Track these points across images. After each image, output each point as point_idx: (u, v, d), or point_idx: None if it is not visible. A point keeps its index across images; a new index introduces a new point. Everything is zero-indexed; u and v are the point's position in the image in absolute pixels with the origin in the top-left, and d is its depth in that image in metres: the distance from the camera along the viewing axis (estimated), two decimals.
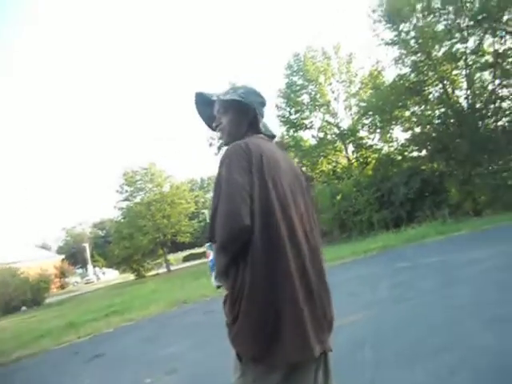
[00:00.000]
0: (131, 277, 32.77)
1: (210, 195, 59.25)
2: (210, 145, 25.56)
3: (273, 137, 1.85)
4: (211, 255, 1.74)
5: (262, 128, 1.77)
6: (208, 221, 1.57)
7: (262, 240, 1.45)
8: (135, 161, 38.21)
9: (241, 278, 1.46)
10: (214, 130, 1.85)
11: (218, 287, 1.70)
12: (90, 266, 48.86)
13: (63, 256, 44.87)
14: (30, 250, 36.54)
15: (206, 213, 45.72)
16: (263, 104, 1.82)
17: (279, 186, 1.55)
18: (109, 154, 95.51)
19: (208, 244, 1.84)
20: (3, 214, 33.20)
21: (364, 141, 23.23)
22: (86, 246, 51.11)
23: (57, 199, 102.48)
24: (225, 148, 1.66)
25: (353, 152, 23.94)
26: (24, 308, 21.24)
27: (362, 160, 23.28)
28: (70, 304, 19.08)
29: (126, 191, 30.29)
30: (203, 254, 44.40)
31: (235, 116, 1.74)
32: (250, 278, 1.44)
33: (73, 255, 53.21)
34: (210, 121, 1.85)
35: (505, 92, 16.46)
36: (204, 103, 1.82)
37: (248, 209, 1.45)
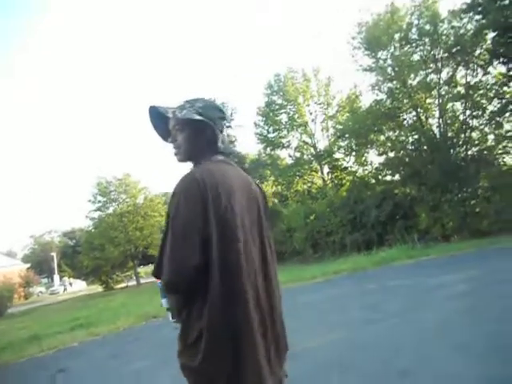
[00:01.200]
0: (99, 289, 32.04)
1: None
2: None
3: (230, 154, 1.83)
4: None
5: (220, 145, 1.68)
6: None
7: (221, 280, 1.41)
8: (110, 170, 37.73)
9: (196, 317, 1.43)
10: (169, 143, 1.76)
11: (168, 309, 1.66)
12: (56, 276, 47.57)
13: (29, 265, 43.56)
14: None
15: None
16: (223, 118, 1.72)
17: (237, 218, 1.49)
18: (84, 161, 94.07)
19: None
20: None
21: (339, 162, 23.67)
22: (54, 255, 49.83)
23: (26, 205, 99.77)
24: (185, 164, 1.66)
25: (328, 173, 24.33)
26: None
27: (336, 181, 23.66)
28: (34, 315, 18.49)
29: (99, 201, 29.77)
30: None
31: (192, 133, 1.65)
32: (208, 320, 1.40)
33: (39, 264, 51.72)
34: (165, 134, 1.75)
35: (475, 123, 17.10)
36: (159, 117, 1.70)
37: (197, 247, 1.40)
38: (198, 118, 1.61)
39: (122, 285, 31.96)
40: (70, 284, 46.46)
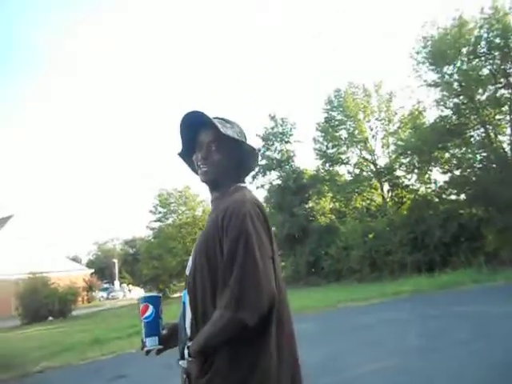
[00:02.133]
0: None
1: None
2: None
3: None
4: (149, 309, 1.48)
5: (247, 172, 1.65)
6: (231, 284, 1.27)
7: (277, 326, 1.35)
8: (171, 183, 38.85)
9: (249, 361, 1.28)
10: (184, 155, 1.64)
11: (149, 351, 1.47)
12: (117, 282, 49.43)
13: (92, 270, 45.64)
14: (61, 262, 37.38)
15: None
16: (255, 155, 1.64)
17: (276, 253, 1.45)
18: (146, 173, 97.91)
19: (143, 296, 1.54)
20: (38, 225, 34.35)
21: (400, 180, 22.92)
22: (116, 262, 51.85)
23: (91, 214, 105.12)
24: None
25: (388, 191, 23.63)
26: (51, 318, 21.61)
27: (397, 199, 22.92)
28: (95, 319, 19.28)
29: (160, 212, 30.79)
30: None
31: (230, 155, 1.54)
32: (264, 364, 1.29)
33: (101, 270, 54.00)
34: (187, 145, 1.60)
35: None
36: (192, 125, 1.54)
37: (273, 275, 1.33)
38: (244, 140, 1.57)
39: (178, 294, 32.66)
40: (129, 290, 48.09)
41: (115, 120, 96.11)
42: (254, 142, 25.75)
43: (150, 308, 1.48)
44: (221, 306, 1.28)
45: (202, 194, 31.27)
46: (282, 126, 25.32)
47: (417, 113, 21.68)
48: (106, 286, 50.28)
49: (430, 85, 18.39)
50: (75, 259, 55.56)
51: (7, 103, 71.75)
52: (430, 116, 20.13)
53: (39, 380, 6.99)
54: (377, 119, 23.51)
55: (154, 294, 1.60)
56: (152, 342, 1.45)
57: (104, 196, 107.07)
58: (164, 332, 1.51)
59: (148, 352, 1.47)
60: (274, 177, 25.62)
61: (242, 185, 1.58)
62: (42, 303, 20.99)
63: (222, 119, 1.58)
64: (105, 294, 46.39)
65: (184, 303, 1.48)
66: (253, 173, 25.37)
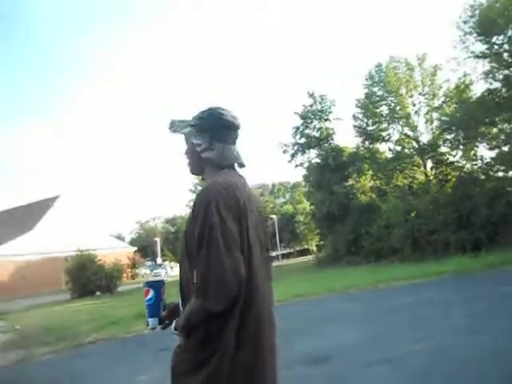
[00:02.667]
0: None
1: (279, 201, 59.45)
2: (284, 152, 25.60)
3: (242, 166, 1.69)
4: (150, 293, 1.64)
5: (214, 157, 1.60)
6: (197, 274, 1.36)
7: (245, 304, 1.39)
8: None
9: (224, 338, 1.36)
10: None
11: (153, 328, 1.63)
12: (159, 260, 50.82)
13: (135, 248, 47.07)
14: (106, 240, 38.75)
15: (275, 218, 46.10)
16: (227, 127, 1.63)
17: (253, 236, 1.46)
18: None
19: (146, 281, 1.71)
20: (84, 204, 35.63)
21: (445, 157, 22.15)
22: (158, 240, 53.19)
23: (134, 193, 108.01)
24: None
25: (432, 168, 22.90)
26: (98, 293, 22.54)
27: (441, 177, 22.19)
28: (139, 295, 19.88)
29: None
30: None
31: (189, 147, 1.66)
32: (236, 340, 1.37)
33: (144, 248, 55.62)
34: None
35: None
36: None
37: (242, 261, 1.36)
38: (185, 131, 1.64)
39: None
40: (171, 268, 49.40)
41: (156, 102, 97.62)
42: (293, 120, 25.50)
43: (151, 292, 1.64)
44: (194, 294, 1.38)
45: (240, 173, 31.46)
46: (320, 103, 24.91)
47: (463, 86, 20.74)
48: (148, 263, 51.80)
49: (477, 56, 17.53)
50: (119, 237, 57.49)
51: (59, 91, 74.24)
52: (478, 89, 19.29)
53: (91, 350, 7.33)
54: (420, 94, 22.71)
55: (158, 278, 1.76)
56: (153, 322, 1.62)
57: (146, 175, 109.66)
58: (163, 313, 1.64)
59: (153, 329, 1.63)
60: (313, 155, 25.37)
61: (225, 170, 1.59)
62: (90, 279, 21.88)
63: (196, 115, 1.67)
64: (148, 271, 47.88)
65: None
66: (291, 151, 25.28)
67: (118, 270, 24.31)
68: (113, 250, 34.09)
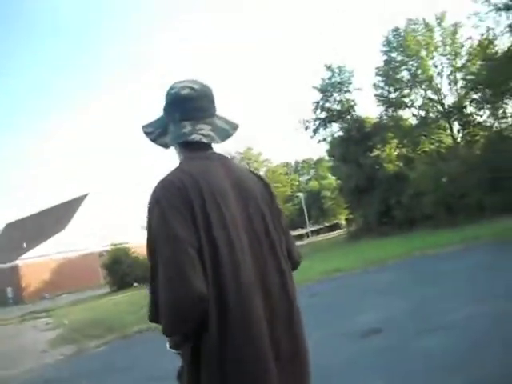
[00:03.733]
0: None
1: (303, 178, 59.18)
2: (306, 128, 25.35)
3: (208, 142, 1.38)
4: None
5: (190, 136, 1.33)
6: (150, 288, 1.20)
7: (218, 313, 1.13)
8: (232, 146, 39.26)
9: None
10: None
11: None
12: None
13: None
14: (138, 232, 39.43)
15: (301, 196, 46.01)
16: (173, 102, 1.37)
17: (229, 227, 1.21)
18: None
19: None
20: (118, 199, 36.21)
21: (472, 118, 21.51)
22: None
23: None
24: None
25: (458, 130, 22.32)
26: (136, 284, 23.10)
27: (469, 139, 21.58)
28: None
29: None
30: (298, 237, 44.67)
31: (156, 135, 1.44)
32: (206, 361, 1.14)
33: None
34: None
35: None
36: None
37: (200, 270, 1.11)
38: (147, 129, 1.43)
39: None
40: None
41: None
42: (312, 94, 25.12)
43: None
44: None
45: (264, 152, 31.34)
46: (339, 75, 24.42)
47: (487, 42, 19.90)
48: None
49: (500, 9, 16.78)
50: None
51: (86, 90, 75.08)
52: (503, 44, 18.46)
53: (140, 340, 7.51)
54: (441, 55, 21.98)
55: None
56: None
57: (174, 165, 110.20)
58: None
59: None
60: (335, 129, 25.05)
61: (187, 155, 1.37)
62: (126, 271, 22.43)
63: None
64: None
65: None
66: (313, 127, 24.99)
67: None
68: (145, 242, 34.64)
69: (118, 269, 22.47)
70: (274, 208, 1.40)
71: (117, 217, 36.28)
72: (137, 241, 31.73)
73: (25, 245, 31.61)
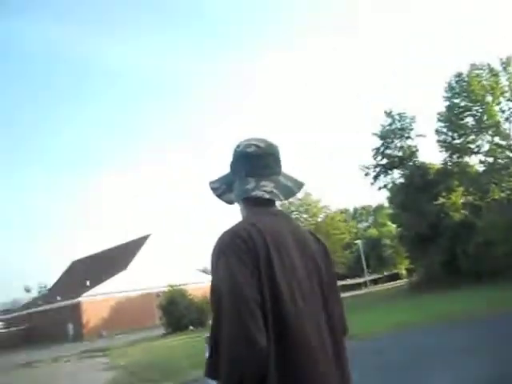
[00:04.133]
0: None
1: (362, 225, 57.78)
2: (366, 174, 25.01)
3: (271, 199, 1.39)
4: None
5: (253, 191, 1.34)
6: (211, 340, 1.19)
7: (277, 370, 1.12)
8: None
9: None
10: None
11: None
12: None
13: None
14: (194, 274, 39.83)
15: (359, 243, 44.75)
16: (240, 159, 1.41)
17: (295, 286, 1.21)
18: None
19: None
20: (172, 241, 37.08)
21: None
22: None
23: (216, 227, 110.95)
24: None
25: None
26: (191, 327, 23.04)
27: None
28: None
29: None
30: (356, 286, 43.15)
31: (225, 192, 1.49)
32: None
33: None
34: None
35: None
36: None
37: (261, 325, 1.10)
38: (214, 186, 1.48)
39: None
40: None
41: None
42: (371, 140, 24.90)
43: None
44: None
45: (323, 199, 31.08)
46: (399, 121, 24.18)
47: None
48: None
49: None
50: (205, 271, 58.88)
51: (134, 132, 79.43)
52: None
53: None
54: (509, 100, 21.22)
55: None
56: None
57: (229, 210, 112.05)
58: None
59: None
60: (396, 175, 24.52)
61: (254, 210, 1.38)
62: (182, 313, 22.46)
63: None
64: None
65: None
66: (373, 173, 24.60)
67: (207, 303, 24.75)
68: (201, 284, 34.92)
69: (174, 310, 22.56)
70: (330, 272, 1.40)
71: (176, 258, 37.00)
72: (193, 283, 32.18)
73: (88, 283, 32.68)
